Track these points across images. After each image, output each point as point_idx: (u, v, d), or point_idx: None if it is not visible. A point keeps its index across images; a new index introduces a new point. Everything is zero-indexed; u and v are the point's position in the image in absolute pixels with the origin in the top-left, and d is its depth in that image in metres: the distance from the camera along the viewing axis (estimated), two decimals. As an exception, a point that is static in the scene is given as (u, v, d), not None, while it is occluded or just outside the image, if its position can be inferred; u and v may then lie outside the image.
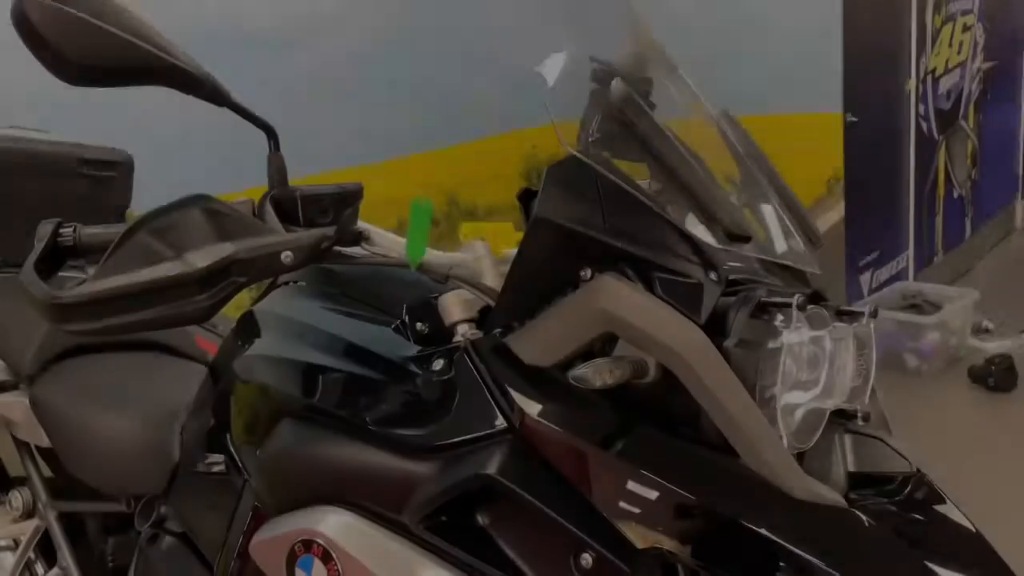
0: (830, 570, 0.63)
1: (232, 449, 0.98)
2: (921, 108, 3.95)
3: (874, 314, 0.83)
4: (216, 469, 1.14)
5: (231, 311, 0.89)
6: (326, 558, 0.80)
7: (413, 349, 0.87)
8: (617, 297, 0.72)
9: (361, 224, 0.93)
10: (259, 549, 0.86)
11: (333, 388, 0.87)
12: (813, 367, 0.75)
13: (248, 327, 1.04)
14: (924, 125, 4.00)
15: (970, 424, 3.00)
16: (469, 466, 0.75)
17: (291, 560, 0.83)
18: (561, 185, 0.76)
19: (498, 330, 0.81)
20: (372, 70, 3.34)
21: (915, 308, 3.54)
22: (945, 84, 4.16)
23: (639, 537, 0.70)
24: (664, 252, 0.74)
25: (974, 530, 0.74)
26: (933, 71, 4.02)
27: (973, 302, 3.50)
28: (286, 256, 0.82)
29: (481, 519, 0.78)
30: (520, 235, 0.96)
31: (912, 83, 3.86)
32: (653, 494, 0.69)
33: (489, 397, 0.78)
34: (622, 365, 0.70)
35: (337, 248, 0.84)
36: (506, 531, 0.76)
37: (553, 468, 0.73)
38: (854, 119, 3.46)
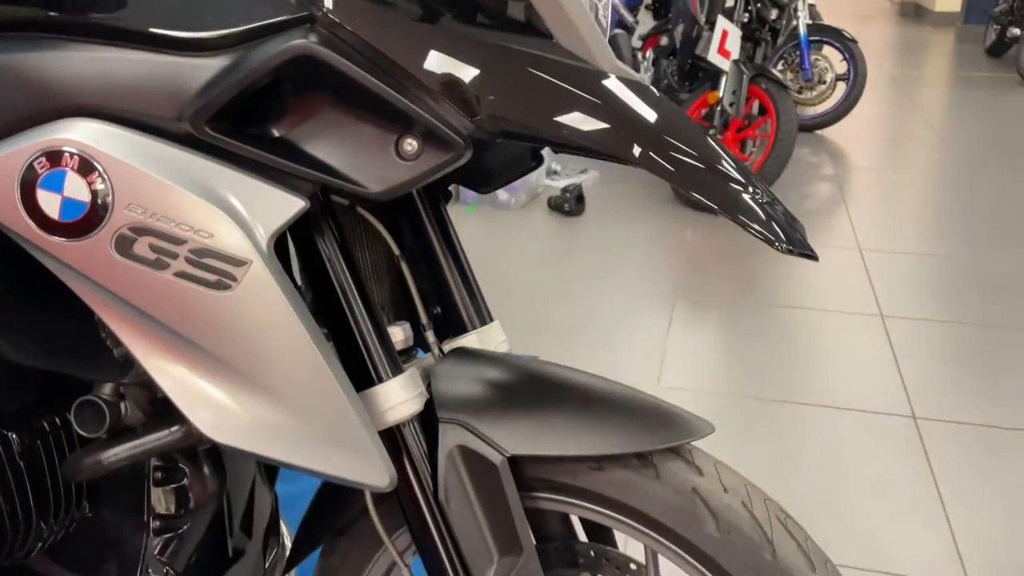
0: (622, 132, 0.67)
1: None
2: None
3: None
4: None
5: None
6: (85, 168, 0.64)
7: None
8: None
9: None
10: None
11: None
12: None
13: None
14: None
15: (552, 242, 3.51)
16: (269, 51, 0.64)
17: (28, 184, 0.64)
18: None
19: None
20: None
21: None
22: None
23: (462, 115, 0.67)
24: None
25: None
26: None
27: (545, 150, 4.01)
28: None
29: (278, 130, 0.67)
30: None
31: None
32: (471, 69, 0.67)
33: None
34: None
35: None
36: (310, 132, 0.68)
37: (364, 51, 0.66)
38: None
